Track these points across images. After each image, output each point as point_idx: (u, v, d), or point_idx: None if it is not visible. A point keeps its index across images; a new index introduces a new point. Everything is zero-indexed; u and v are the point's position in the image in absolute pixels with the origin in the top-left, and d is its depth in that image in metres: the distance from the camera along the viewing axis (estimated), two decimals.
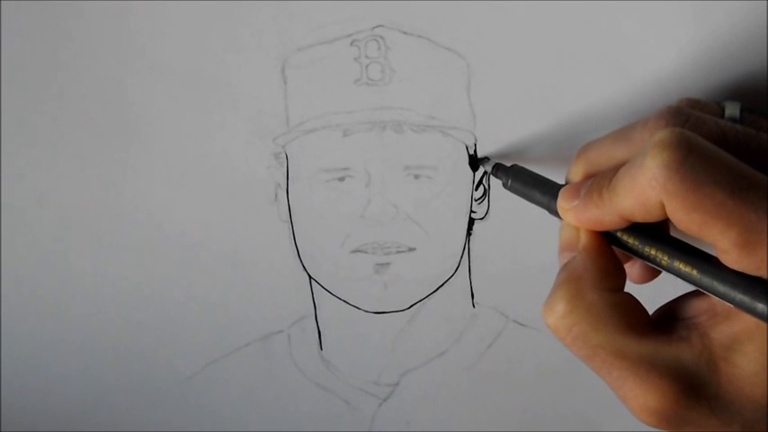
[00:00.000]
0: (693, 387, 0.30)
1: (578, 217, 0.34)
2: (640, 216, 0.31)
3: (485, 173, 0.43)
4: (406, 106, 0.42)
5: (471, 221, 0.45)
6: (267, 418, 0.52)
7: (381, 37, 0.41)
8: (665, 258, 0.32)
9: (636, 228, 0.33)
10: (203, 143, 0.44)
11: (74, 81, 0.43)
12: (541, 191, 0.37)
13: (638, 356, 0.31)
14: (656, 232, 0.33)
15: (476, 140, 0.42)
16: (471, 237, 0.45)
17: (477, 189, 0.44)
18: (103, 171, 0.45)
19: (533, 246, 0.44)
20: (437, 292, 0.47)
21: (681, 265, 0.31)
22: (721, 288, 0.30)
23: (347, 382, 0.50)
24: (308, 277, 0.47)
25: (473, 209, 0.44)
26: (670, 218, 0.30)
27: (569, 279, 0.33)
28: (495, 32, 0.40)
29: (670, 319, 0.33)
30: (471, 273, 0.46)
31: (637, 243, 0.33)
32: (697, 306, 0.33)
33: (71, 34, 0.42)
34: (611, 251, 0.34)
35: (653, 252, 0.33)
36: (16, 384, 0.52)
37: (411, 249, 0.45)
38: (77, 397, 0.52)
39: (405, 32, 0.41)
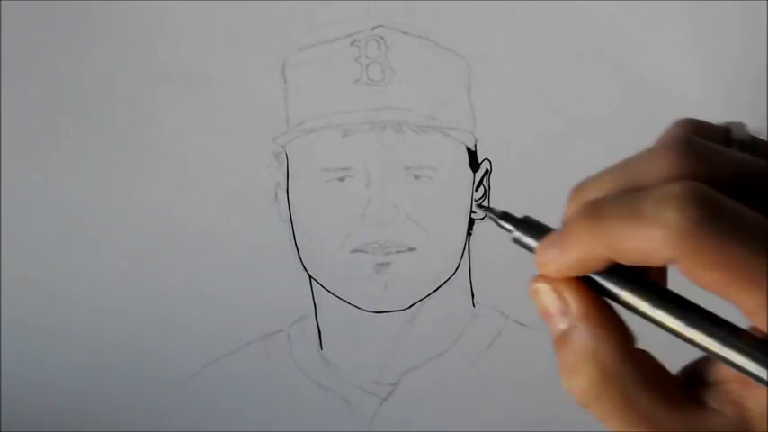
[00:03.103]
0: None
1: (558, 261, 0.27)
2: (637, 260, 0.26)
3: (485, 173, 0.43)
4: (406, 107, 0.42)
5: (471, 222, 0.45)
6: (267, 418, 0.52)
7: (381, 37, 0.41)
8: (679, 324, 0.24)
9: (623, 276, 0.25)
10: (203, 143, 0.44)
11: (74, 81, 0.43)
12: None
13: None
14: (649, 283, 0.25)
15: (476, 141, 0.42)
16: (471, 237, 0.45)
17: (477, 190, 0.44)
18: (104, 171, 0.45)
19: None
20: (437, 291, 0.47)
21: (695, 334, 0.23)
22: (742, 361, 0.24)
23: (347, 381, 0.50)
24: (308, 277, 0.47)
25: (473, 209, 0.44)
26: (684, 274, 0.26)
27: (585, 356, 0.27)
28: (495, 32, 0.40)
29: (697, 383, 0.30)
30: (471, 272, 0.46)
31: (636, 298, 0.24)
32: (725, 370, 0.29)
33: (72, 34, 0.42)
34: (610, 307, 0.29)
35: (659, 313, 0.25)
36: (16, 383, 0.52)
37: (411, 249, 0.45)
38: (77, 396, 0.52)
39: (405, 32, 0.41)
